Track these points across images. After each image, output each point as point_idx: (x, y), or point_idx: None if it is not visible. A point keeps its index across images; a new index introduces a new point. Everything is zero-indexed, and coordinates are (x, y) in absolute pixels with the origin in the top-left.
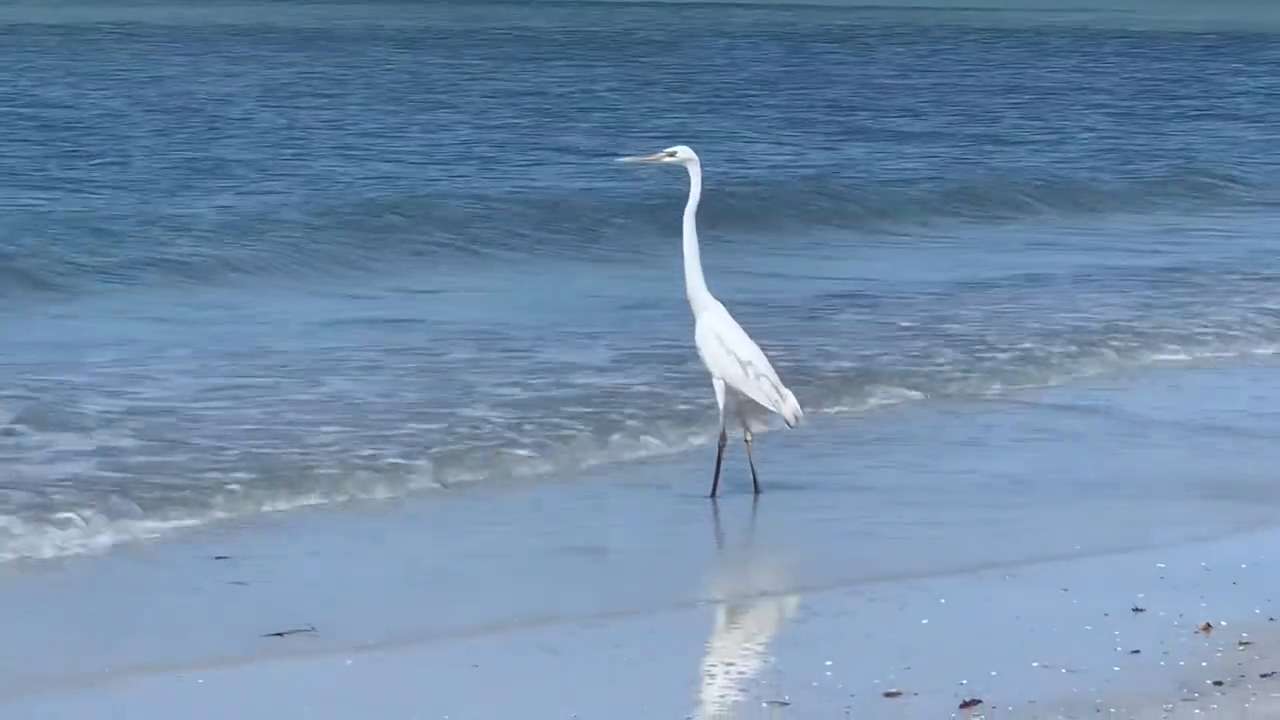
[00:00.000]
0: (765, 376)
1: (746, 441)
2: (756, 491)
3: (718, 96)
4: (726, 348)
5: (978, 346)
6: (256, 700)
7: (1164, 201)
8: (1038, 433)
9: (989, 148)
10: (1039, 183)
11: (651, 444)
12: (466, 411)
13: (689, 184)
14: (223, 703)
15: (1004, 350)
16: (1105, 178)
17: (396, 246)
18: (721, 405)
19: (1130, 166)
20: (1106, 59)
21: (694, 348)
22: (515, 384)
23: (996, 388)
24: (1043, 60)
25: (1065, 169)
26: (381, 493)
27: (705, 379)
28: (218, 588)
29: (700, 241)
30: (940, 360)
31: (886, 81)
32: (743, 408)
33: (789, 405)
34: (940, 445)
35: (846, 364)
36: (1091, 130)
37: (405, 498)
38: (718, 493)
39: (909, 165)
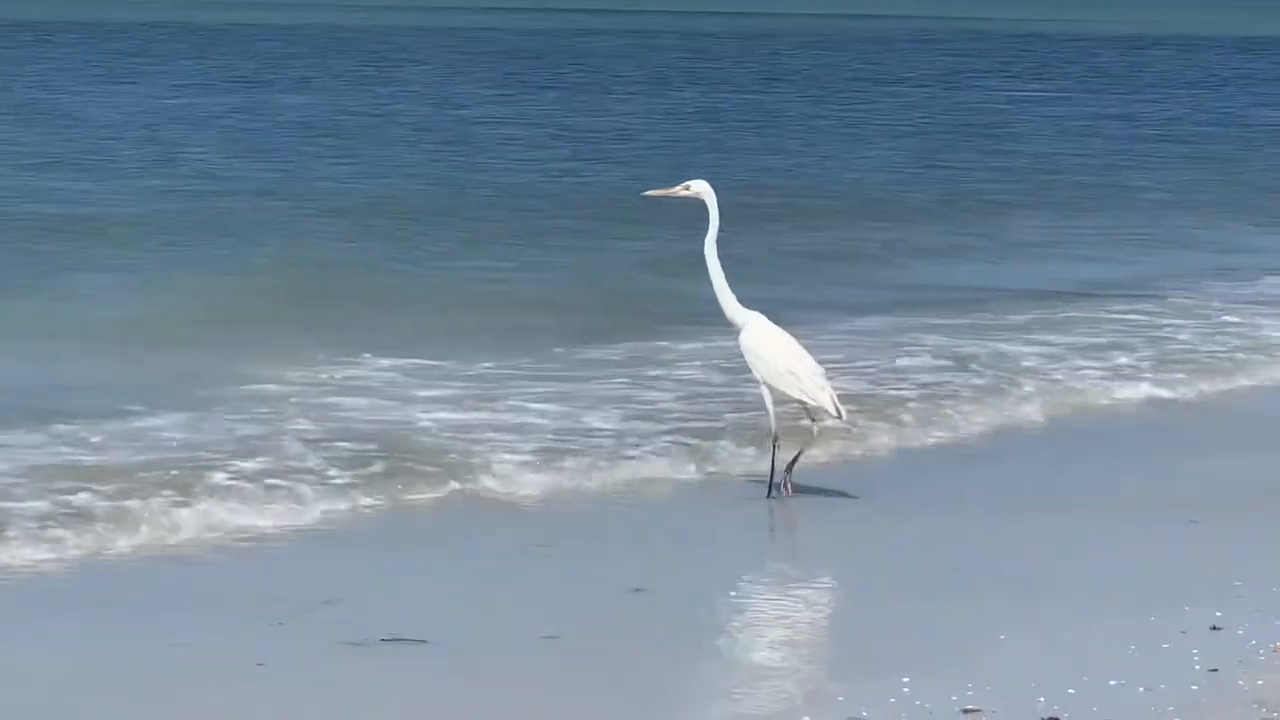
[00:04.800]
0: (810, 377)
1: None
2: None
3: None
4: (769, 353)
5: None
6: None
7: None
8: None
9: None
10: None
11: None
12: None
13: (708, 216)
14: None
15: None
16: None
17: None
18: (771, 409)
19: None
20: None
21: (741, 358)
22: None
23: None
24: None
25: None
26: None
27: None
28: None
29: None
30: None
31: None
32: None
33: (833, 401)
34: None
35: None
36: None
37: None
38: (773, 494)
39: None
